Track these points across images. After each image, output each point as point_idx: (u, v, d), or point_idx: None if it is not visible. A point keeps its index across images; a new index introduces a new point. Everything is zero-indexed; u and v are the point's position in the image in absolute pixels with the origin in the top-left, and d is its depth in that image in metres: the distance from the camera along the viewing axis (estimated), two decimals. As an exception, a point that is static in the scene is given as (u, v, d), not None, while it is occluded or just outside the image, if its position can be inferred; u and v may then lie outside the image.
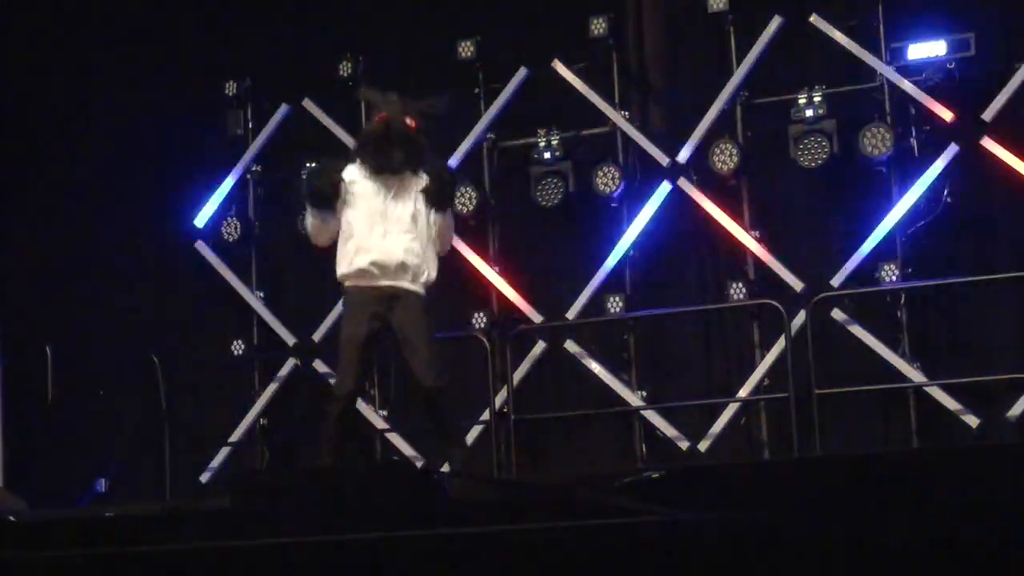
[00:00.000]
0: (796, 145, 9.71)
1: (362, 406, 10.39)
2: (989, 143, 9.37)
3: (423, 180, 7.50)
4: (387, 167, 7.45)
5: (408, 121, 7.45)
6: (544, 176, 10.29)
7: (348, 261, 7.51)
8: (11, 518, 7.96)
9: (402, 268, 7.42)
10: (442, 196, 7.51)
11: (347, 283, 7.58)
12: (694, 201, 9.99)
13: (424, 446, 10.13)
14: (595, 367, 10.07)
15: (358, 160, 7.57)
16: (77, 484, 10.76)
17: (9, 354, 11.31)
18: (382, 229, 7.44)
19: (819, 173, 9.72)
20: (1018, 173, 9.27)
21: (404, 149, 7.44)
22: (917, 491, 5.99)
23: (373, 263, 7.43)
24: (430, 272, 7.50)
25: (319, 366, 10.72)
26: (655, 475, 6.74)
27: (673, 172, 10.05)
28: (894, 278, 9.46)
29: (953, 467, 6.17)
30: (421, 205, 7.47)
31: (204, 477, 10.84)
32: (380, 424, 10.49)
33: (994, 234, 9.64)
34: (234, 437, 10.87)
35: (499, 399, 9.82)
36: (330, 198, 7.50)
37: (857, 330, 9.49)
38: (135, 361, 10.57)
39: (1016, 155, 9.29)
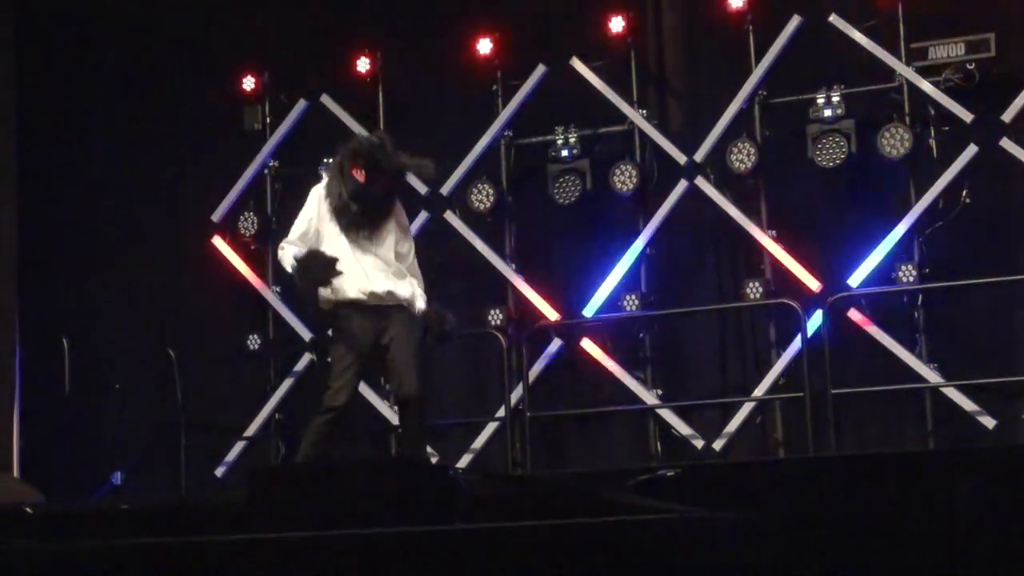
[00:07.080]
0: (814, 145, 9.69)
1: (377, 402, 10.40)
2: (1008, 144, 9.34)
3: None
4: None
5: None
6: (561, 174, 10.28)
7: None
8: (27, 510, 7.99)
9: None
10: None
11: None
12: (711, 200, 9.98)
13: (440, 442, 10.14)
14: (611, 365, 10.07)
15: None
16: (93, 476, 10.79)
17: (27, 347, 11.35)
18: None
19: (837, 173, 9.70)
20: (1037, 174, 9.26)
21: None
22: (933, 491, 5.98)
23: None
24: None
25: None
26: (669, 473, 6.74)
27: (690, 171, 10.03)
28: (911, 279, 9.43)
29: (969, 468, 6.16)
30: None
31: (219, 471, 10.86)
32: (395, 420, 10.49)
33: (1012, 235, 9.62)
34: (249, 431, 10.89)
35: (515, 396, 9.82)
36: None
37: (874, 330, 9.47)
38: (151, 355, 10.59)
39: (1035, 156, 9.27)
